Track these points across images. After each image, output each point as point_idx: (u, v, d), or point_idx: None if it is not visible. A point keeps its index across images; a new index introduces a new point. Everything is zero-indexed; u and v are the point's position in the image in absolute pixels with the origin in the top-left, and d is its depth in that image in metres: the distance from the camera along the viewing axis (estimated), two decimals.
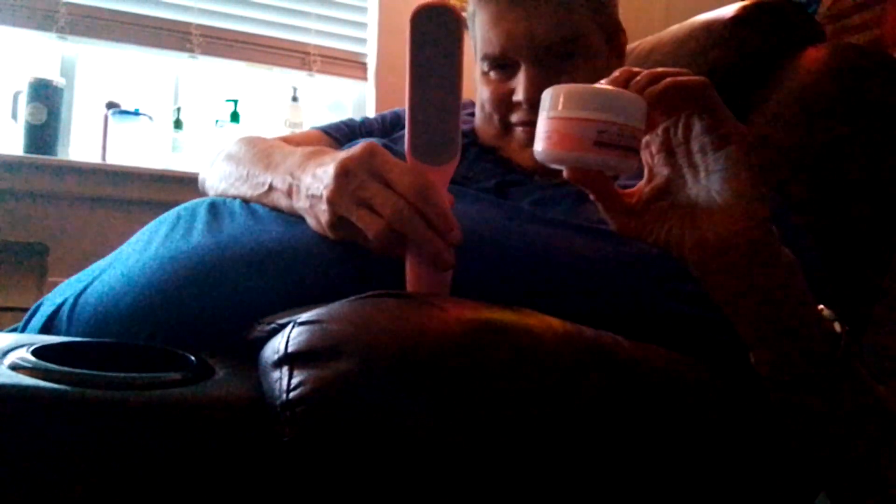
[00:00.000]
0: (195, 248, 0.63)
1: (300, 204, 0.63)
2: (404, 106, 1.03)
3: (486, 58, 0.83)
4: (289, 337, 0.48)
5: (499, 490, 0.47)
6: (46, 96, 1.84)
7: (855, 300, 0.84)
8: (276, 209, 0.67)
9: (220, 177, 0.80)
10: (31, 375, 0.44)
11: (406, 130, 0.57)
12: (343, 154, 0.59)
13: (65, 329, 0.65)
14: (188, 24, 2.06)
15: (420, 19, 0.55)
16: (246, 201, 0.71)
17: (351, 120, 1.02)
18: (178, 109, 2.05)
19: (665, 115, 0.51)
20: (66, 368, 0.45)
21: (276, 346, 0.49)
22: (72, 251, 1.78)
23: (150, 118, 1.97)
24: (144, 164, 1.92)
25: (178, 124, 2.04)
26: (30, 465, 0.42)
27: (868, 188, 0.86)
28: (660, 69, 0.50)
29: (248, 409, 0.48)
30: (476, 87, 0.88)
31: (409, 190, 0.55)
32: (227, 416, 0.47)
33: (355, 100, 2.32)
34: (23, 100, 1.84)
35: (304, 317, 0.49)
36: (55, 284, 0.72)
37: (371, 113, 2.20)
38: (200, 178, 0.91)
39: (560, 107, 0.49)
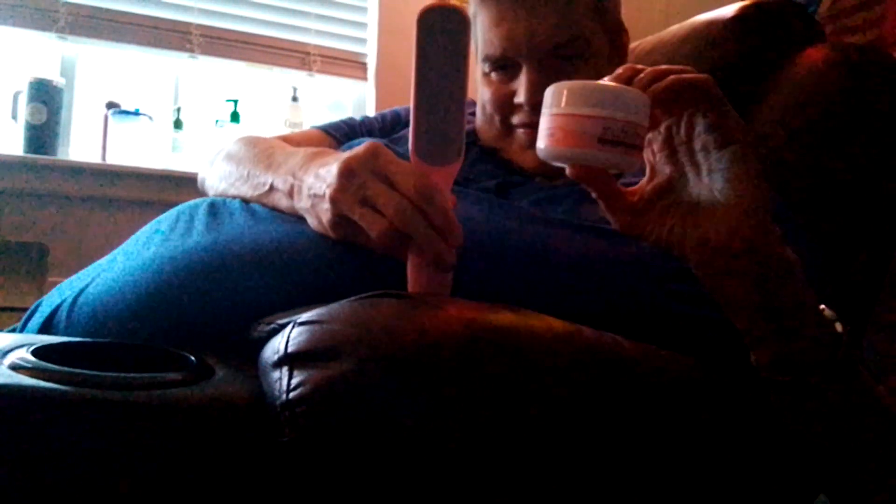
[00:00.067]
0: (194, 248, 0.63)
1: (301, 204, 0.63)
2: (405, 105, 1.04)
3: (487, 59, 0.83)
4: (289, 337, 0.48)
5: (498, 490, 0.47)
6: (46, 96, 1.84)
7: (855, 300, 0.84)
8: (276, 209, 0.67)
9: (219, 177, 0.80)
10: (31, 375, 0.44)
11: (410, 130, 0.57)
12: (347, 153, 0.59)
13: (63, 330, 0.65)
14: (188, 24, 2.06)
15: (427, 19, 0.55)
16: (246, 201, 0.71)
17: (351, 119, 1.02)
18: (178, 109, 2.05)
19: (668, 112, 0.51)
20: (66, 368, 0.45)
21: (275, 347, 0.49)
22: (72, 251, 1.78)
23: (150, 118, 1.98)
24: (144, 164, 1.92)
25: (178, 124, 2.04)
26: (30, 465, 0.42)
27: (868, 188, 0.86)
28: (663, 66, 0.50)
29: (248, 409, 0.48)
30: (477, 87, 0.88)
31: (412, 190, 0.54)
32: (227, 416, 0.47)
33: (355, 100, 2.32)
34: (23, 100, 1.84)
35: (304, 317, 0.49)
36: (55, 284, 0.72)
37: (371, 113, 2.20)
38: (200, 177, 0.91)
39: (563, 103, 0.49)
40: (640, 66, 0.51)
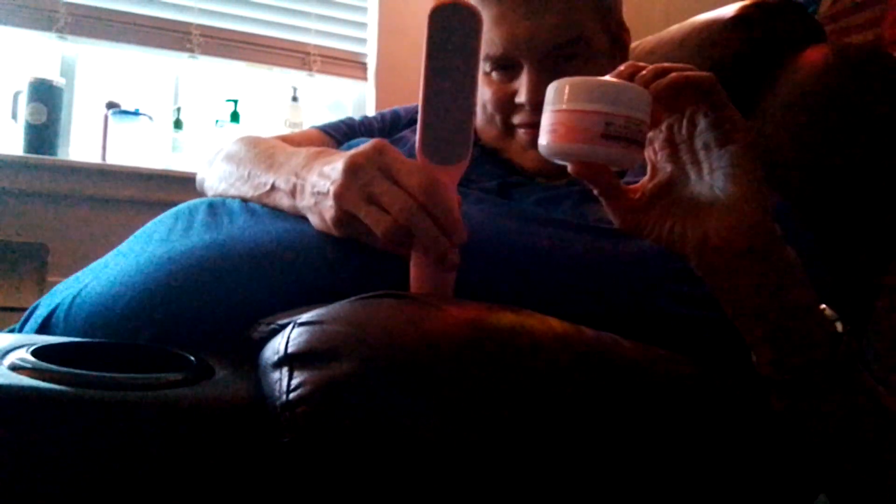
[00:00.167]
0: (193, 248, 0.63)
1: (304, 203, 0.63)
2: (405, 105, 1.04)
3: (488, 58, 0.83)
4: (289, 337, 0.48)
5: (499, 491, 0.47)
6: (46, 96, 1.84)
7: (855, 300, 0.84)
8: (277, 209, 0.67)
9: (219, 177, 0.80)
10: (31, 376, 0.44)
11: (417, 128, 0.56)
12: (352, 151, 0.58)
13: (61, 330, 0.65)
14: (188, 24, 2.06)
15: (438, 15, 0.54)
16: (246, 201, 0.71)
17: (350, 119, 1.02)
18: (178, 109, 2.05)
19: (669, 110, 0.51)
20: (66, 369, 0.45)
21: (275, 347, 0.49)
22: (72, 251, 1.78)
23: (150, 118, 1.97)
24: (144, 164, 1.92)
25: (178, 124, 2.04)
26: (30, 465, 0.42)
27: (868, 188, 0.86)
28: (666, 64, 0.50)
29: (247, 409, 0.48)
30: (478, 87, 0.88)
31: (417, 188, 0.54)
32: (227, 416, 0.47)
33: (355, 100, 2.32)
34: (23, 100, 1.84)
35: (304, 317, 0.49)
36: (54, 284, 0.72)
37: (371, 113, 2.20)
38: (199, 178, 0.91)
39: (565, 99, 0.48)
40: (641, 64, 0.51)
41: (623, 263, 0.62)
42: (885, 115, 0.87)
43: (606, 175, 0.52)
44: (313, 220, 0.62)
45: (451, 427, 0.45)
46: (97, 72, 2.07)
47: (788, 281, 0.50)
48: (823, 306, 0.53)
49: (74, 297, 0.65)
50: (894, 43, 1.83)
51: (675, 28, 1.09)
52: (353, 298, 0.50)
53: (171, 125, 2.04)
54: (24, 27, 1.90)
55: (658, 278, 0.61)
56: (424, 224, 0.54)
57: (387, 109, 1.04)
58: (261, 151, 0.75)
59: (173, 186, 1.89)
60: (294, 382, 0.45)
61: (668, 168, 0.53)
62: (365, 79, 2.27)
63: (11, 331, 0.71)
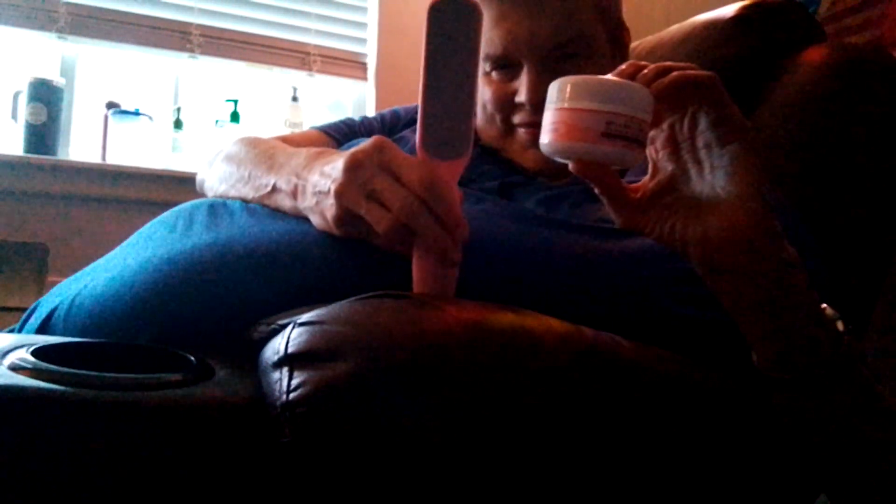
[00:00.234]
0: (194, 249, 0.63)
1: (306, 203, 0.62)
2: (405, 105, 1.04)
3: (488, 58, 0.83)
4: (289, 338, 0.48)
5: (499, 491, 0.47)
6: (46, 96, 1.84)
7: (856, 300, 0.83)
8: (278, 210, 0.67)
9: (219, 178, 0.80)
10: (31, 376, 0.44)
11: (417, 123, 0.56)
12: (352, 149, 0.58)
13: (61, 330, 0.65)
14: (188, 24, 2.06)
15: (438, 9, 0.54)
16: (246, 202, 0.71)
17: (350, 119, 1.02)
18: (178, 109, 2.05)
19: (671, 109, 0.51)
20: (66, 369, 0.45)
21: (276, 347, 0.49)
22: (72, 251, 1.78)
23: (150, 118, 1.97)
24: (144, 164, 1.92)
25: (178, 124, 2.04)
26: (30, 465, 0.42)
27: (868, 188, 0.86)
28: (667, 63, 0.50)
29: (248, 409, 0.48)
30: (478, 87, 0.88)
31: (417, 184, 0.54)
32: (227, 416, 0.47)
33: (355, 100, 2.32)
34: (23, 100, 1.84)
35: (304, 317, 0.49)
36: (55, 284, 0.72)
37: (371, 113, 2.20)
38: (198, 178, 0.91)
39: (567, 97, 0.48)
40: (643, 63, 0.51)
41: (624, 263, 0.62)
42: (885, 115, 0.87)
43: (607, 174, 0.52)
44: (315, 220, 0.62)
45: (451, 427, 0.45)
46: (97, 72, 2.07)
47: (789, 279, 0.50)
48: (824, 305, 0.53)
49: (75, 298, 0.65)
50: (894, 43, 1.83)
51: (675, 28, 1.09)
52: (353, 298, 0.50)
53: (171, 125, 2.04)
54: (24, 27, 1.90)
55: (659, 278, 0.61)
56: (425, 220, 0.54)
57: (387, 110, 1.04)
58: (261, 152, 0.75)
59: (173, 186, 1.89)
60: (294, 382, 0.45)
61: (670, 167, 0.53)
62: (365, 79, 2.27)
63: (11, 331, 0.71)
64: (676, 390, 0.55)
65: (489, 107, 0.85)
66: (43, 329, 0.66)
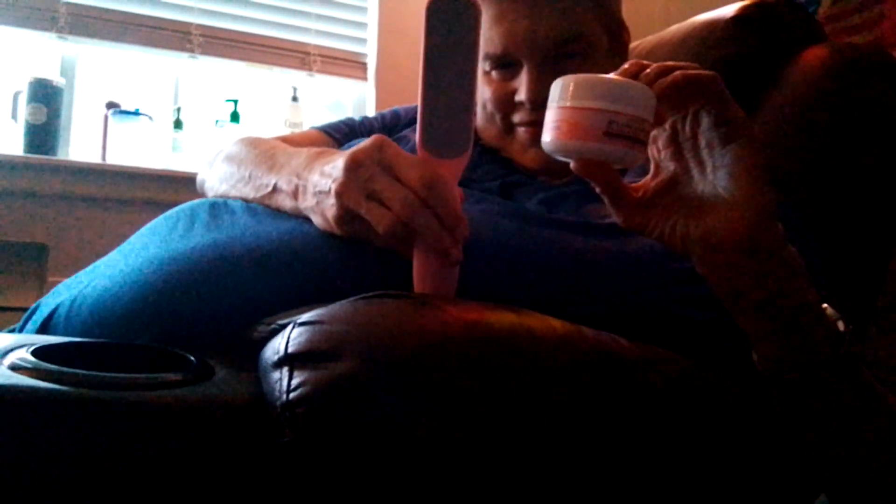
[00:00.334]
0: (194, 249, 0.63)
1: (307, 203, 0.62)
2: (405, 105, 1.04)
3: (487, 57, 0.83)
4: (289, 337, 0.48)
5: (499, 491, 0.47)
6: (46, 96, 1.84)
7: (856, 300, 0.83)
8: (279, 211, 0.67)
9: (220, 178, 0.80)
10: (31, 376, 0.44)
11: (417, 122, 0.56)
12: (353, 148, 0.58)
13: (62, 330, 0.65)
14: (188, 24, 2.06)
15: (437, 8, 0.54)
16: (247, 202, 0.71)
17: (350, 119, 1.02)
18: (178, 109, 2.05)
19: (673, 109, 0.51)
20: (66, 369, 0.45)
21: (276, 347, 0.49)
22: (72, 251, 1.78)
23: (150, 118, 1.97)
24: (144, 164, 1.92)
25: (178, 124, 2.04)
26: (30, 465, 0.42)
27: (868, 188, 0.86)
28: (670, 62, 0.50)
29: (248, 409, 0.48)
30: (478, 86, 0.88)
31: (417, 183, 0.54)
32: (227, 416, 0.47)
33: (355, 100, 2.32)
34: (23, 100, 1.84)
35: (304, 317, 0.49)
36: (55, 284, 0.72)
37: (371, 113, 2.20)
38: (199, 179, 0.91)
39: (569, 96, 0.48)
40: (646, 62, 0.51)
41: (624, 263, 0.62)
42: (885, 115, 0.87)
43: (608, 173, 0.52)
44: (316, 220, 0.62)
45: (450, 427, 0.45)
46: (97, 72, 2.07)
47: (790, 279, 0.50)
48: (825, 305, 0.53)
49: (75, 298, 0.65)
50: (894, 43, 1.83)
51: (675, 28, 1.09)
52: (353, 298, 0.50)
53: (171, 125, 2.04)
54: (24, 27, 1.90)
55: (659, 278, 0.61)
56: (426, 219, 0.54)
57: (387, 109, 1.04)
58: (261, 152, 0.75)
59: (173, 186, 1.89)
60: (294, 382, 0.45)
61: (672, 166, 0.52)
62: (365, 79, 2.27)
63: (12, 331, 0.71)
64: (677, 390, 0.55)
65: (489, 106, 0.85)
66: (44, 329, 0.66)
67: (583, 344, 0.52)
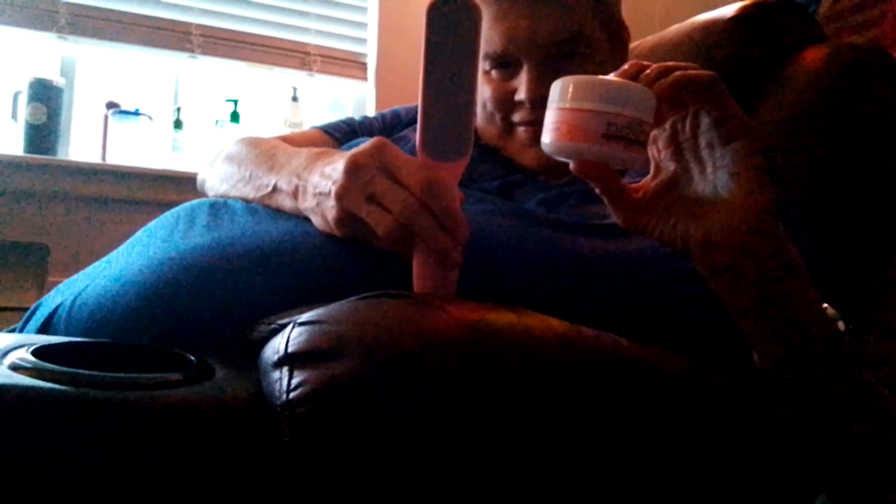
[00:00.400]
0: (194, 249, 0.63)
1: (306, 204, 0.62)
2: (405, 105, 1.04)
3: (487, 56, 0.83)
4: (289, 337, 0.48)
5: (499, 491, 0.47)
6: (46, 96, 1.84)
7: (856, 300, 0.83)
8: (279, 211, 0.67)
9: (220, 178, 0.80)
10: (32, 375, 0.44)
11: (417, 125, 0.56)
12: (353, 150, 0.58)
13: (62, 330, 0.65)
14: (188, 24, 2.06)
15: (437, 9, 0.54)
16: (247, 202, 0.71)
17: (351, 119, 1.02)
18: (178, 109, 2.05)
19: (673, 109, 0.51)
20: (66, 369, 0.45)
21: (276, 347, 0.49)
22: (72, 251, 1.78)
23: (150, 118, 1.97)
24: (144, 164, 1.92)
25: (178, 124, 2.04)
26: (30, 464, 0.42)
27: (868, 188, 0.86)
28: (669, 63, 0.50)
29: (248, 409, 0.48)
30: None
31: (417, 186, 0.54)
32: (227, 416, 0.47)
33: (355, 100, 2.32)
34: (23, 100, 1.84)
35: (304, 317, 0.49)
36: (55, 284, 0.72)
37: (371, 113, 2.20)
38: (199, 178, 0.91)
39: (569, 98, 0.48)
40: (646, 63, 0.51)
41: (624, 263, 0.62)
42: (885, 115, 0.87)
43: (608, 174, 0.52)
44: (316, 220, 0.62)
45: (450, 427, 0.45)
46: (97, 72, 2.07)
47: (790, 279, 0.50)
48: (825, 305, 0.53)
49: (76, 298, 0.65)
50: (894, 43, 1.83)
51: (675, 28, 1.09)
52: (353, 298, 0.50)
53: (171, 125, 2.04)
54: (24, 27, 1.90)
55: (660, 278, 0.61)
56: (425, 222, 0.54)
57: (387, 109, 1.04)
58: (262, 152, 0.75)
59: (173, 186, 1.89)
60: (294, 382, 0.45)
61: (672, 167, 0.53)
62: (365, 79, 2.27)
63: (12, 331, 0.71)
64: (677, 390, 0.55)
65: (489, 105, 0.85)
66: (44, 329, 0.66)
67: (583, 344, 0.52)
